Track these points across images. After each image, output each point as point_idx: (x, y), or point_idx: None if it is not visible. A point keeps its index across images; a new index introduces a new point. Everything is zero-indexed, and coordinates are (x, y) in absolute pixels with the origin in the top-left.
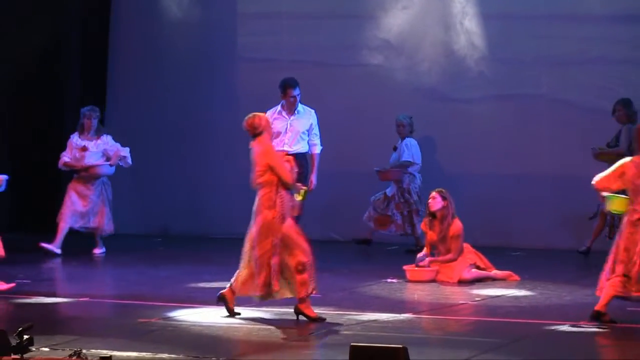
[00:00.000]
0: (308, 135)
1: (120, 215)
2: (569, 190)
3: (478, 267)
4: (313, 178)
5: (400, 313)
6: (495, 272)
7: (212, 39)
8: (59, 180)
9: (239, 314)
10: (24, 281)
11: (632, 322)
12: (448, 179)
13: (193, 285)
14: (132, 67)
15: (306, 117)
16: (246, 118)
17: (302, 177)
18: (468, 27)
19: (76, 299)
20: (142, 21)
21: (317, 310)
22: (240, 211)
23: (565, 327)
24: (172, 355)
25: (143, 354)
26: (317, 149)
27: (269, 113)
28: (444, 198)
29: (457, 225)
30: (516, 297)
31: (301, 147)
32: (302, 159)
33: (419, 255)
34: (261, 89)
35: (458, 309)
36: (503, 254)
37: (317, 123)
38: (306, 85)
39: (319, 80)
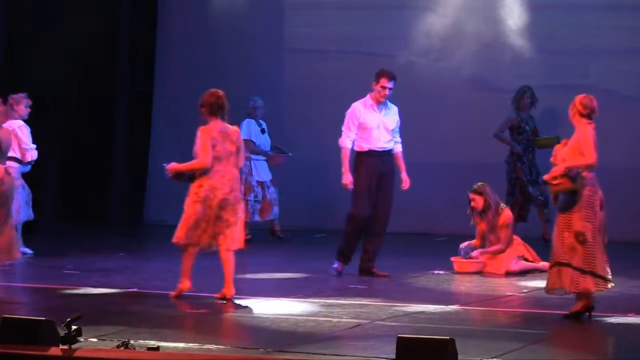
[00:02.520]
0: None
1: (171, 205)
2: (618, 182)
3: (525, 259)
4: (406, 176)
5: (447, 305)
6: (543, 264)
7: (258, 30)
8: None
9: None
10: (73, 272)
11: None
12: (492, 168)
13: (240, 276)
14: (178, 59)
15: (394, 114)
16: None
17: (388, 178)
18: (515, 18)
19: (124, 290)
20: (189, 13)
21: (364, 302)
22: (287, 202)
23: (613, 319)
24: (220, 346)
25: (190, 344)
26: (401, 147)
27: (358, 104)
28: (480, 194)
29: (506, 214)
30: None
31: (391, 145)
32: (391, 158)
33: (462, 245)
34: (308, 80)
35: (505, 300)
36: (550, 246)
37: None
38: (353, 77)
39: (367, 71)
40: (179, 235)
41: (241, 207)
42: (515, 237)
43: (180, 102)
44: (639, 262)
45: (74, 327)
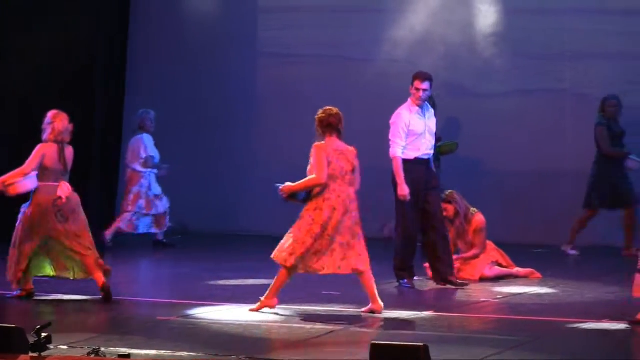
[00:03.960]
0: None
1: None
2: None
3: (500, 265)
4: None
5: (421, 311)
6: (517, 270)
7: (232, 33)
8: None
9: None
10: (43, 279)
11: None
12: (471, 174)
13: (213, 282)
14: (150, 63)
15: (433, 116)
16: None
17: (434, 182)
18: (492, 22)
19: (95, 297)
20: (162, 16)
21: (338, 308)
22: (260, 207)
23: (588, 325)
24: (192, 354)
25: (162, 352)
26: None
27: (404, 111)
28: (449, 202)
29: (479, 219)
30: (538, 295)
31: (432, 152)
32: (433, 164)
33: None
34: (282, 85)
35: (480, 306)
36: (525, 251)
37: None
38: (327, 81)
39: (341, 75)
40: (287, 258)
41: (359, 228)
42: (488, 242)
43: (152, 106)
44: (613, 268)
45: (44, 335)
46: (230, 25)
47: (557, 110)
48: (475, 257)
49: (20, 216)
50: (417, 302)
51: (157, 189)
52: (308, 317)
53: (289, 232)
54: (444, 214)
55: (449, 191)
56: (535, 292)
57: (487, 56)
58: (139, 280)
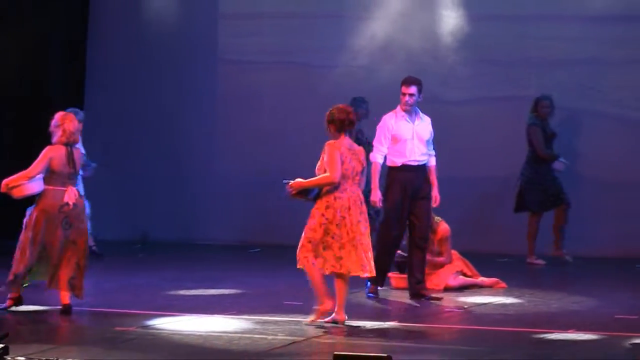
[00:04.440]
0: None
1: (99, 220)
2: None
3: (464, 274)
4: (437, 193)
5: (385, 321)
6: (481, 279)
7: (192, 39)
8: None
9: None
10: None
11: (620, 330)
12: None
13: (173, 292)
14: (110, 68)
15: (428, 124)
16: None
17: (425, 192)
18: (455, 29)
19: (53, 307)
20: (121, 21)
21: (300, 318)
22: (221, 216)
23: (554, 335)
24: None
25: None
26: (434, 161)
27: (389, 116)
28: None
29: (443, 228)
30: (503, 305)
31: (426, 158)
32: (426, 172)
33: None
34: (243, 92)
35: (444, 317)
36: (490, 261)
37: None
38: (289, 88)
39: (302, 82)
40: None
41: (361, 229)
42: (453, 251)
43: (111, 111)
44: (578, 277)
45: (0, 346)
46: (191, 31)
47: (523, 117)
48: (444, 264)
49: (25, 220)
50: (381, 312)
51: (80, 190)
52: (270, 328)
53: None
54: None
55: None
56: (500, 302)
57: (451, 63)
58: (97, 290)
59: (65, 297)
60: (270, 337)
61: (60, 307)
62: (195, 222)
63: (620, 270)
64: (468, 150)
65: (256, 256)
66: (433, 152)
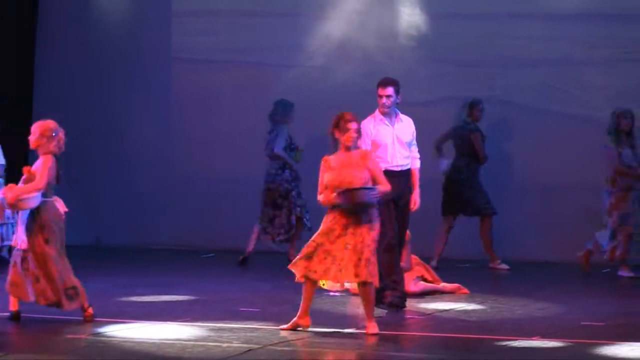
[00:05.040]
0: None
1: None
2: (520, 199)
3: (425, 280)
4: (417, 196)
5: (343, 327)
6: (443, 285)
7: (145, 37)
8: None
9: None
10: None
11: (586, 338)
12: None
13: (125, 299)
14: (60, 66)
15: (409, 126)
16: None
17: (407, 199)
18: (416, 28)
19: (2, 314)
20: (71, 19)
21: (256, 325)
22: (173, 221)
23: (518, 343)
24: None
25: None
26: (418, 163)
27: (367, 120)
28: None
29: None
30: (465, 311)
31: (408, 162)
32: (409, 178)
33: None
34: (196, 91)
35: (404, 323)
36: (451, 266)
37: (414, 134)
38: (244, 88)
39: (256, 81)
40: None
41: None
42: (413, 256)
43: (60, 113)
44: (544, 283)
45: None
46: (143, 29)
47: (487, 118)
48: (403, 270)
49: (39, 237)
50: (339, 318)
51: None
52: (224, 335)
53: None
54: None
55: None
56: (462, 308)
57: (411, 63)
58: None
59: (15, 303)
60: (225, 344)
61: (7, 313)
62: (147, 227)
63: (585, 276)
64: (429, 153)
65: (210, 261)
66: (417, 155)
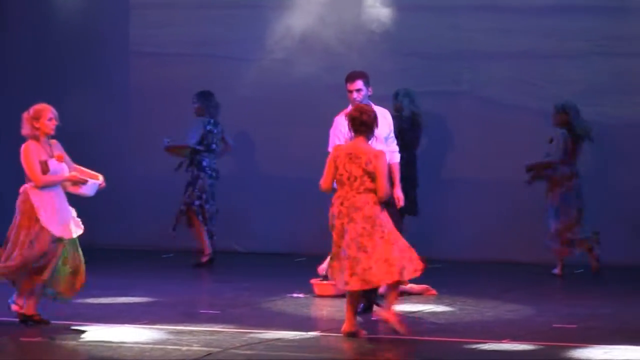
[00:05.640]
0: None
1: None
2: (491, 196)
3: None
4: (398, 192)
5: (307, 331)
6: (410, 286)
7: (102, 30)
8: None
9: None
10: None
11: (558, 341)
12: None
13: (80, 301)
14: (12, 63)
15: (383, 118)
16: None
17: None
18: (382, 20)
19: None
20: (26, 10)
21: (217, 328)
22: (131, 218)
23: (488, 346)
24: None
25: None
26: (397, 157)
27: (339, 116)
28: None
29: None
30: (434, 313)
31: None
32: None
33: (322, 266)
34: (156, 86)
35: (369, 326)
36: None
37: (391, 126)
38: (206, 82)
39: (216, 75)
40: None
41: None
42: None
43: (12, 106)
44: (513, 284)
45: None
46: (100, 22)
47: (455, 114)
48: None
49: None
50: (302, 321)
51: None
52: (184, 338)
53: None
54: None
55: None
56: (430, 310)
57: (375, 57)
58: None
59: None
60: (184, 348)
61: None
62: (103, 225)
63: (556, 277)
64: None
65: (168, 262)
66: (395, 148)
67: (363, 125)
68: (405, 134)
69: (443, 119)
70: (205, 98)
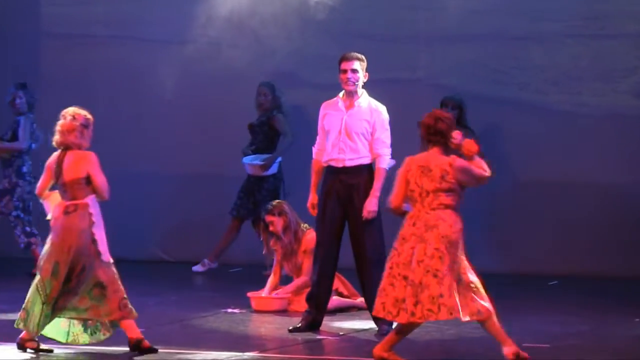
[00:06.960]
0: (368, 140)
1: None
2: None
3: (340, 294)
4: (369, 203)
5: (243, 351)
6: (361, 301)
7: (9, 9)
8: None
9: None
10: None
11: None
12: (304, 176)
13: None
14: None
15: (367, 113)
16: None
17: (355, 204)
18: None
19: None
20: None
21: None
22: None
23: None
24: None
25: None
26: (384, 162)
27: (326, 102)
28: (279, 214)
29: (310, 238)
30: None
31: (358, 159)
32: (359, 177)
33: (267, 288)
34: (71, 71)
35: (315, 345)
36: None
37: (381, 124)
38: (127, 68)
39: (139, 59)
40: None
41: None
42: None
43: None
44: None
45: None
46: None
47: (409, 103)
48: (307, 285)
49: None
50: (238, 340)
51: None
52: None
53: None
54: (270, 228)
55: (277, 201)
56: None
57: (319, 39)
58: None
59: None
60: None
61: None
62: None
63: (524, 290)
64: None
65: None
66: (383, 152)
67: (439, 134)
68: None
69: (396, 110)
70: (29, 90)
